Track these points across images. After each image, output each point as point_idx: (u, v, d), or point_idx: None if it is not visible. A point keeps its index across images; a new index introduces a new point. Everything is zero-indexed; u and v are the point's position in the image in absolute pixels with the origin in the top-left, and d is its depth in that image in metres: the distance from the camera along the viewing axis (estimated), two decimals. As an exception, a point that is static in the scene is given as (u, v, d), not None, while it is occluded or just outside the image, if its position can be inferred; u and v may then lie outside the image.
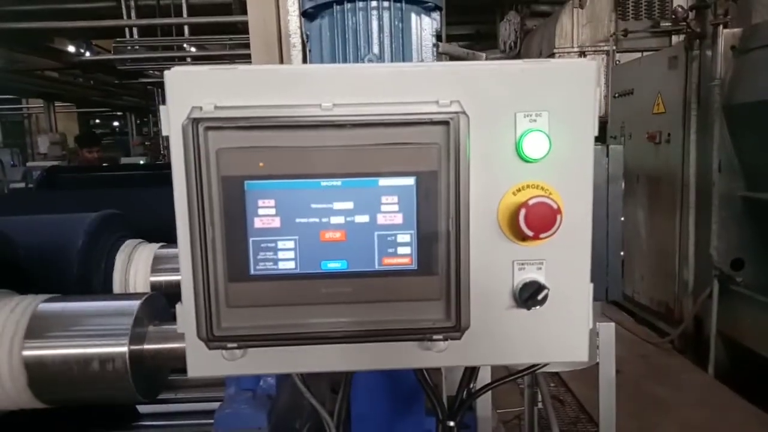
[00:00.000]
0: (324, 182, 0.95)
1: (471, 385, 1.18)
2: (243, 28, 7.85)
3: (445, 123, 0.93)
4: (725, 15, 4.66)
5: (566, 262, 0.99)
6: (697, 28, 4.92)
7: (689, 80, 5.08)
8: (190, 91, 0.93)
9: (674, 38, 6.46)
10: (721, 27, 4.64)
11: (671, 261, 5.42)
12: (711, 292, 4.84)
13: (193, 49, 9.63)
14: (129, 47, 9.02)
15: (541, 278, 0.98)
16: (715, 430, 3.93)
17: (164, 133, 0.95)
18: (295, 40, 2.02)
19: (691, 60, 5.06)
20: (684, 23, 5.03)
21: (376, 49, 1.44)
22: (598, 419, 3.84)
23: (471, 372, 1.18)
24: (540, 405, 2.85)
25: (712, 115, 4.74)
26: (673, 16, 5.30)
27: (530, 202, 0.92)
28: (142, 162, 10.22)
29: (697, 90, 5.02)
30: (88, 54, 10.02)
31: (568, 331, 1.01)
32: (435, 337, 0.96)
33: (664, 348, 5.23)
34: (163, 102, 0.95)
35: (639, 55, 6.35)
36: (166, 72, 0.95)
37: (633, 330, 5.49)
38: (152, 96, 14.70)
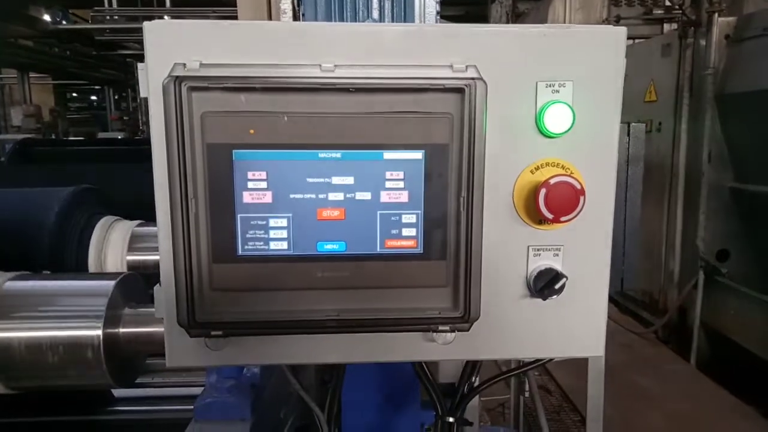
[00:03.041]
0: (322, 153, 0.85)
1: (473, 379, 1.10)
2: (227, 0, 7.62)
3: (460, 90, 0.83)
4: (720, 3, 4.61)
5: (586, 248, 0.91)
6: (692, 15, 4.86)
7: (682, 68, 5.04)
8: (173, 46, 0.82)
9: (666, 26, 6.41)
10: (716, 15, 4.58)
11: (657, 251, 5.43)
12: (696, 282, 4.85)
13: (175, 22, 9.34)
14: (108, 17, 8.72)
15: (557, 266, 0.90)
16: (695, 420, 3.95)
17: (142, 94, 0.85)
18: (286, 5, 1.88)
19: (685, 48, 5.01)
20: (679, 10, 4.97)
21: (375, 15, 1.34)
22: (581, 408, 3.84)
23: (473, 365, 1.10)
24: (527, 394, 2.81)
25: (704, 104, 4.71)
26: (668, 3, 5.23)
27: (552, 182, 0.84)
28: (120, 137, 9.95)
29: (689, 79, 4.98)
30: (64, 23, 9.67)
31: (585, 324, 0.93)
32: (441, 327, 0.88)
33: (647, 338, 5.25)
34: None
35: (630, 42, 6.29)
36: (145, 23, 0.84)
37: (617, 319, 5.50)
38: (131, 69, 14.31)
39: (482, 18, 9.28)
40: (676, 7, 5.02)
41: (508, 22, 7.71)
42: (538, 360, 1.06)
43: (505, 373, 1.11)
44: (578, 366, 3.43)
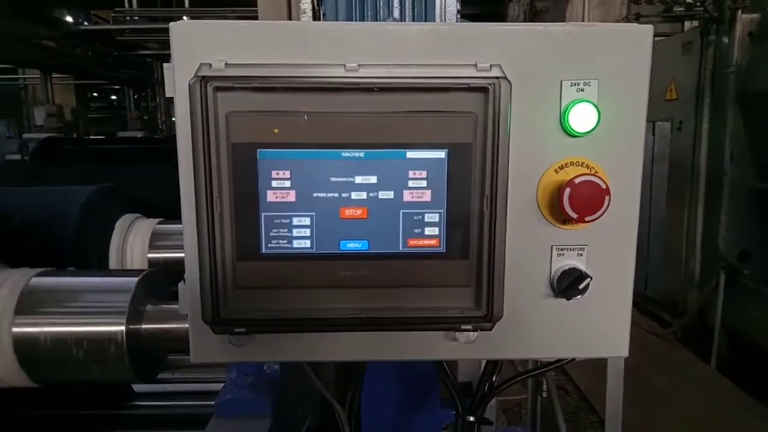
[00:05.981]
0: (345, 153, 0.86)
1: (494, 378, 1.10)
2: (246, 0, 7.66)
3: (484, 89, 0.83)
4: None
5: (610, 248, 0.90)
6: (714, 12, 4.79)
7: (704, 66, 4.96)
8: (199, 46, 0.83)
9: (687, 24, 6.32)
10: (739, 12, 4.51)
11: (678, 251, 5.35)
12: (717, 283, 4.77)
13: (193, 22, 9.43)
14: (128, 18, 8.84)
15: (581, 265, 0.89)
16: (714, 422, 3.90)
17: (168, 94, 0.85)
18: (306, 5, 1.89)
19: (707, 45, 4.94)
20: (701, 7, 4.90)
21: (396, 14, 1.34)
22: (599, 409, 3.80)
23: (494, 364, 1.10)
24: (545, 394, 2.79)
25: (726, 102, 4.63)
26: (689, 0, 5.15)
27: (576, 181, 0.83)
28: (140, 136, 10.06)
29: (711, 77, 4.90)
30: (86, 24, 9.82)
31: (609, 324, 0.92)
32: (463, 326, 0.88)
33: (666, 339, 5.19)
34: (168, 62, 0.85)
35: (650, 40, 6.20)
36: (171, 24, 0.85)
37: (636, 320, 5.44)
38: (151, 69, 14.48)
39: (499, 17, 9.20)
40: (698, 4, 4.94)
41: (525, 21, 7.65)
42: (559, 360, 1.05)
43: (526, 372, 1.11)
44: (596, 367, 3.39)
